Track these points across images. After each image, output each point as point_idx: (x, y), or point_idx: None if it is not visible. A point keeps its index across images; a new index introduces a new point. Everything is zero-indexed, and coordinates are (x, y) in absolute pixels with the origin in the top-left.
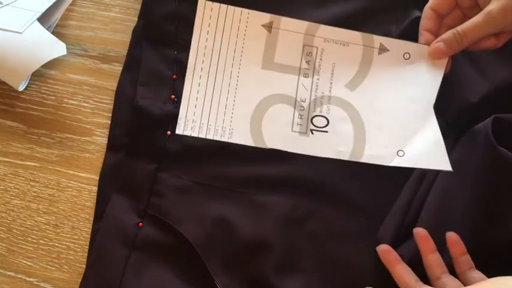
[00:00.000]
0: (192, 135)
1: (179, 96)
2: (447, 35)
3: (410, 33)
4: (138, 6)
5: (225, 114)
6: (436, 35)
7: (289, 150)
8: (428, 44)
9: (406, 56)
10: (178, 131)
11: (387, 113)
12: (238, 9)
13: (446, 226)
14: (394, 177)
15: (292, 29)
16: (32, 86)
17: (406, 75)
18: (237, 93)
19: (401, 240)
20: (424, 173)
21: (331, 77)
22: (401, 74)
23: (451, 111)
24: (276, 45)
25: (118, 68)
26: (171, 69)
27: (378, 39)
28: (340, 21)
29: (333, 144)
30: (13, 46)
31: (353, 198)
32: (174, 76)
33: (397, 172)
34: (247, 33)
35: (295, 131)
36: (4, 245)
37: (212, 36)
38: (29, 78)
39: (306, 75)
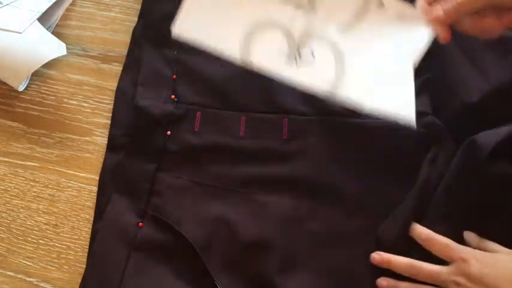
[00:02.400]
0: (185, 38)
1: (179, 97)
2: (444, 1)
3: None
4: (138, 6)
5: (219, 26)
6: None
7: (271, 75)
8: (424, 10)
9: (402, 17)
10: (175, 29)
11: (370, 62)
12: None
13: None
14: (394, 177)
15: None
16: (32, 86)
17: (396, 33)
18: (238, 7)
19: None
20: (429, 181)
21: (326, 16)
22: (392, 31)
23: (451, 111)
24: None
25: (118, 68)
26: (171, 69)
27: None
28: None
29: (314, 77)
30: (13, 46)
31: (353, 198)
32: (174, 76)
33: (397, 172)
34: None
35: (281, 58)
36: (4, 245)
37: None
38: (29, 78)
39: (303, 10)
